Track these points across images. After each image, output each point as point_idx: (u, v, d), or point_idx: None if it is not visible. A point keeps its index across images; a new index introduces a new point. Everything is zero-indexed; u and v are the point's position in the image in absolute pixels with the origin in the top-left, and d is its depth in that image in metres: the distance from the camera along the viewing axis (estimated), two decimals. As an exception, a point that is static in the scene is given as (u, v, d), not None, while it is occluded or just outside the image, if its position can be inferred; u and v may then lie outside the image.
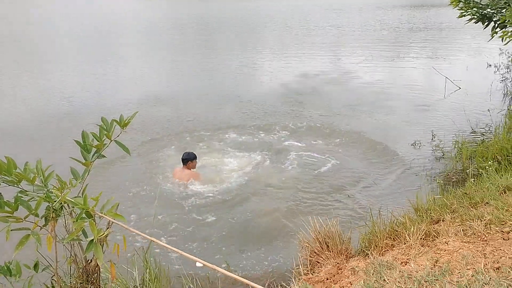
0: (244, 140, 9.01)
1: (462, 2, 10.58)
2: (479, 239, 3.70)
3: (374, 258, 3.54)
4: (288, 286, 3.89)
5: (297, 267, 4.28)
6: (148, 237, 3.05)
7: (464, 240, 3.70)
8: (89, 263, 3.60)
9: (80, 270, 3.57)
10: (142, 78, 15.34)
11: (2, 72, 16.32)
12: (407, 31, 25.04)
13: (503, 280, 2.91)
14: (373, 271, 3.21)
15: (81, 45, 23.09)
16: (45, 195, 3.15)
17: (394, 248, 3.98)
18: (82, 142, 3.42)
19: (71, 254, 3.52)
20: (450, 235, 3.86)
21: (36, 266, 3.50)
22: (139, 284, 4.00)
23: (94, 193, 3.26)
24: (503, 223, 3.90)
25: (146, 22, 33.50)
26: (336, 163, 7.62)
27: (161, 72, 16.33)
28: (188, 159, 7.16)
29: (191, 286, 4.05)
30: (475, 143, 7.93)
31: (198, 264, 2.83)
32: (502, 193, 4.88)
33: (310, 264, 4.35)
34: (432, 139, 8.41)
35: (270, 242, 5.42)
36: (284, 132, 9.38)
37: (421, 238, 3.93)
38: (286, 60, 17.91)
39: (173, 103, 11.73)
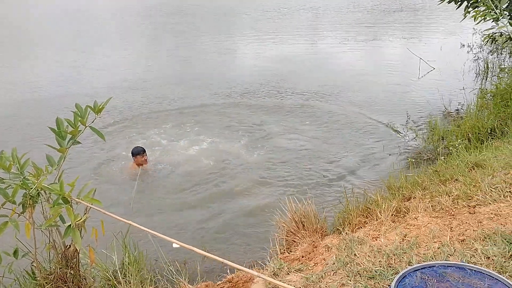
0: (218, 121, 9.12)
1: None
2: (447, 213, 3.85)
3: (346, 234, 3.66)
4: (264, 265, 4.01)
5: (274, 247, 4.40)
6: (125, 220, 3.11)
7: (433, 215, 3.85)
8: (68, 248, 3.65)
9: (59, 255, 3.63)
10: (114, 65, 15.12)
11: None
12: (382, 12, 25.19)
13: (467, 251, 3.07)
14: (345, 246, 3.34)
15: (49, 34, 22.58)
16: (21, 182, 3.19)
17: (367, 225, 4.12)
18: (56, 129, 3.45)
19: (49, 240, 3.56)
20: (419, 211, 4.01)
21: (15, 253, 3.54)
22: (119, 268, 4.07)
23: (70, 179, 3.30)
24: (469, 198, 4.06)
25: (115, 8, 32.81)
26: (311, 144, 7.74)
27: (134, 59, 16.07)
28: (132, 155, 6.82)
29: (170, 268, 4.14)
30: (448, 122, 8.12)
31: (174, 245, 2.90)
32: (470, 169, 5.05)
33: (286, 243, 4.47)
34: (406, 120, 8.58)
35: (246, 223, 5.52)
36: (260, 113, 9.48)
37: (392, 215, 4.08)
38: (262, 44, 17.87)
39: (146, 88, 11.69)
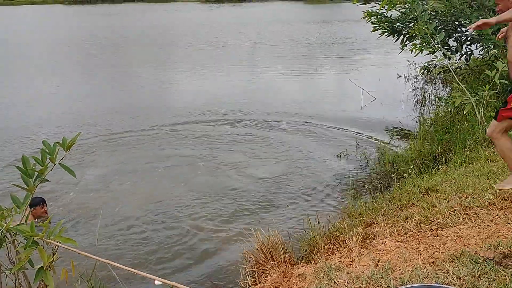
0: (171, 150, 9.12)
1: (375, 16, 11.32)
2: (412, 237, 4.01)
3: (322, 262, 3.72)
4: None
5: (244, 279, 4.39)
6: (104, 260, 3.03)
7: (399, 240, 4.00)
8: (35, 292, 3.48)
9: (26, 300, 3.45)
10: (46, 98, 14.54)
11: None
12: (318, 45, 26.05)
13: (439, 272, 3.20)
14: (323, 274, 3.40)
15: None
16: (-14, 224, 3.04)
17: (336, 252, 4.20)
18: (22, 167, 3.32)
19: (15, 285, 3.39)
20: (385, 236, 4.14)
21: (-25, 301, 3.34)
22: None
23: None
24: (431, 221, 4.26)
25: (43, 38, 31.85)
26: (265, 178, 7.77)
27: (68, 93, 15.44)
28: (30, 206, 5.75)
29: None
30: (395, 149, 8.47)
31: (156, 283, 2.85)
32: (425, 194, 5.30)
33: (256, 274, 4.47)
34: (356, 149, 8.87)
35: (212, 255, 5.46)
36: (209, 141, 9.56)
37: (359, 241, 4.19)
38: (200, 75, 17.85)
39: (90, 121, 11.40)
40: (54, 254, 3.28)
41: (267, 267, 4.45)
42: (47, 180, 3.38)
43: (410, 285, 2.84)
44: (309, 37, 29.82)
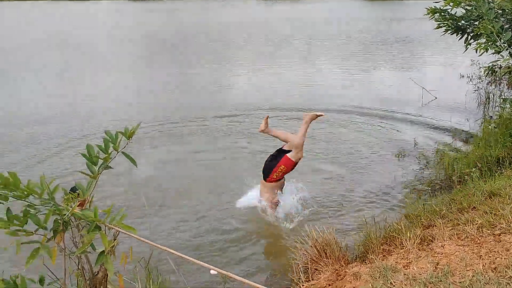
0: (230, 143, 9.24)
1: (438, 13, 10.94)
2: (473, 242, 3.87)
3: (378, 262, 3.65)
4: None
5: (297, 275, 4.38)
6: (161, 246, 3.10)
7: (459, 244, 3.87)
8: (96, 275, 3.61)
9: (87, 282, 3.59)
10: (111, 93, 15.07)
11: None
12: (378, 43, 25.52)
13: (502, 279, 3.07)
14: (379, 274, 3.33)
15: (47, 57, 22.54)
16: (54, 208, 3.18)
17: (392, 253, 4.12)
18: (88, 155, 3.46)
19: (78, 267, 3.53)
20: (445, 239, 4.02)
21: (41, 281, 3.50)
22: (142, 296, 4.03)
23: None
24: (493, 226, 4.09)
25: (108, 35, 33.03)
26: (322, 175, 7.72)
27: (129, 87, 15.98)
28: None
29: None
30: (456, 151, 8.19)
31: (212, 272, 2.89)
32: (487, 198, 5.09)
33: (309, 271, 4.45)
34: (414, 148, 8.64)
35: (266, 249, 5.50)
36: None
37: (417, 243, 4.08)
38: (259, 74, 17.93)
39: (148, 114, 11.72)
40: (115, 239, 3.40)
41: (320, 264, 4.42)
42: (111, 167, 3.49)
43: (471, 290, 2.74)
44: (368, 35, 29.32)
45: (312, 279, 4.30)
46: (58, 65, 20.27)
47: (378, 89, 14.58)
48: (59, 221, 3.25)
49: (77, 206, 5.32)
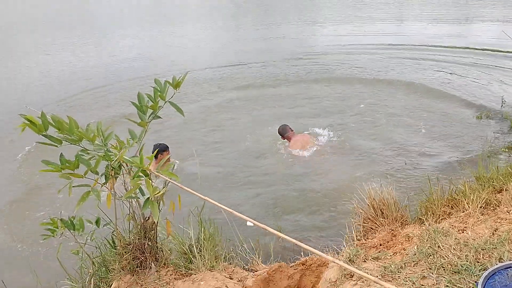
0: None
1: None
2: (544, 209, 3.52)
3: (429, 224, 3.44)
4: (340, 250, 3.89)
5: (350, 233, 4.26)
6: (202, 196, 3.11)
7: (527, 210, 3.53)
8: (147, 220, 3.73)
9: (138, 226, 3.72)
10: (199, 43, 15.37)
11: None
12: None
13: None
14: (428, 237, 3.13)
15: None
16: (104, 154, 3.28)
17: (452, 216, 3.86)
18: (138, 104, 3.50)
19: (129, 211, 3.66)
20: (512, 204, 3.69)
21: (97, 222, 3.67)
22: (194, 243, 4.12)
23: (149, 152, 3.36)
24: None
25: None
26: (398, 131, 7.39)
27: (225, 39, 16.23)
28: (160, 151, 6.36)
29: (244, 246, 4.13)
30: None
31: (248, 224, 2.86)
32: None
33: (363, 230, 4.30)
34: (502, 106, 7.96)
35: (322, 206, 5.40)
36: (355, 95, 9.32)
37: (481, 207, 3.78)
38: (351, 26, 17.35)
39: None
40: (164, 187, 3.46)
41: (376, 224, 4.26)
42: (160, 117, 3.52)
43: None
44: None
45: (366, 238, 4.15)
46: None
47: (469, 42, 13.53)
48: (110, 166, 3.36)
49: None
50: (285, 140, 7.10)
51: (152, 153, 6.51)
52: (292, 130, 7.10)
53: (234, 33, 16.81)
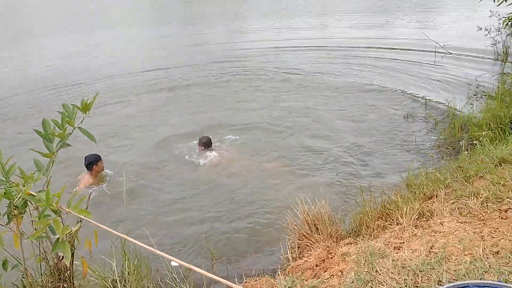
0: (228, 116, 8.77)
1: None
2: (475, 218, 3.49)
3: (364, 243, 3.30)
4: (275, 274, 3.68)
5: (285, 253, 4.07)
6: (120, 234, 2.81)
7: (460, 220, 3.49)
8: (61, 260, 3.36)
9: (52, 268, 3.34)
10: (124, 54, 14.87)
11: None
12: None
13: (504, 267, 2.71)
14: (365, 260, 2.99)
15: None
16: (4, 191, 2.88)
17: (386, 230, 3.77)
18: (42, 131, 3.11)
19: (39, 251, 3.27)
20: (445, 214, 3.65)
21: (4, 264, 3.25)
22: (118, 277, 3.78)
23: (59, 185, 2.99)
24: (500, 200, 3.69)
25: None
26: (323, 137, 7.35)
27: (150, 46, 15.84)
28: (93, 163, 6.28)
29: (174, 276, 3.84)
30: (468, 111, 7.67)
31: (173, 264, 2.59)
32: (497, 165, 4.65)
33: (299, 248, 4.14)
34: (424, 109, 8.14)
35: (256, 225, 5.17)
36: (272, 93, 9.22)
37: (414, 219, 3.71)
38: (276, 29, 17.44)
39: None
40: (77, 223, 3.10)
41: (311, 240, 4.10)
42: (69, 145, 3.15)
43: (465, 282, 2.38)
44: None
45: (303, 257, 3.98)
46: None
47: (391, 44, 13.92)
48: (12, 205, 2.95)
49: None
50: (204, 151, 6.88)
51: (85, 165, 6.22)
52: (211, 143, 6.97)
53: (147, 42, 16.46)
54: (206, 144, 6.92)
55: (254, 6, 25.32)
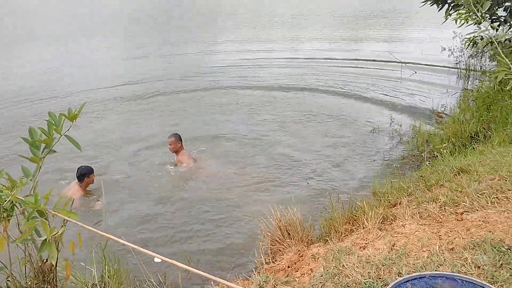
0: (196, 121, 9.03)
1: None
2: (434, 221, 3.79)
3: (333, 244, 3.57)
4: (250, 277, 3.90)
5: (258, 257, 4.29)
6: (104, 233, 2.98)
7: (420, 223, 3.78)
8: (45, 262, 3.49)
9: (36, 270, 3.47)
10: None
11: None
12: (361, 18, 25.30)
13: (457, 260, 2.99)
14: (333, 257, 3.25)
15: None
16: (-8, 195, 3.03)
17: (353, 233, 4.04)
18: (29, 139, 3.29)
19: (25, 254, 3.41)
20: (406, 218, 3.94)
21: (-11, 268, 3.37)
22: (98, 282, 3.92)
23: (45, 190, 3.15)
24: (456, 204, 4.01)
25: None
26: (295, 149, 7.64)
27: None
28: (86, 175, 6.42)
29: (151, 281, 4.01)
30: (431, 126, 8.10)
31: (156, 260, 2.79)
32: (456, 175, 5.00)
33: (272, 252, 4.37)
34: (390, 124, 8.53)
35: (230, 232, 5.39)
36: (239, 114, 9.50)
37: (379, 222, 4.00)
38: (248, 48, 17.78)
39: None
40: (61, 226, 3.26)
41: (283, 245, 4.34)
42: (55, 151, 3.33)
43: (422, 273, 2.66)
44: (351, 10, 29.00)
45: (275, 261, 4.21)
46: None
47: (356, 64, 14.44)
48: (1, 208, 3.10)
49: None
50: (179, 152, 7.12)
51: (76, 176, 6.33)
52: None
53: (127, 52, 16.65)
54: (181, 138, 7.14)
55: (230, 18, 25.78)
